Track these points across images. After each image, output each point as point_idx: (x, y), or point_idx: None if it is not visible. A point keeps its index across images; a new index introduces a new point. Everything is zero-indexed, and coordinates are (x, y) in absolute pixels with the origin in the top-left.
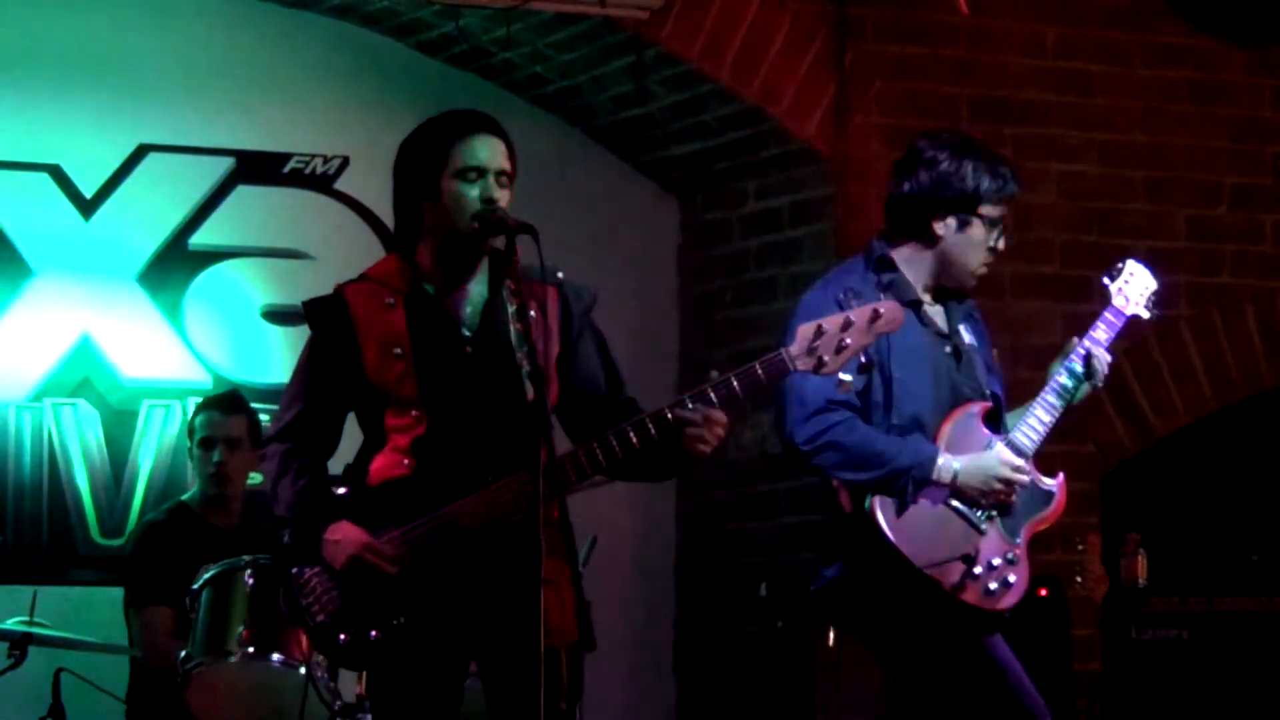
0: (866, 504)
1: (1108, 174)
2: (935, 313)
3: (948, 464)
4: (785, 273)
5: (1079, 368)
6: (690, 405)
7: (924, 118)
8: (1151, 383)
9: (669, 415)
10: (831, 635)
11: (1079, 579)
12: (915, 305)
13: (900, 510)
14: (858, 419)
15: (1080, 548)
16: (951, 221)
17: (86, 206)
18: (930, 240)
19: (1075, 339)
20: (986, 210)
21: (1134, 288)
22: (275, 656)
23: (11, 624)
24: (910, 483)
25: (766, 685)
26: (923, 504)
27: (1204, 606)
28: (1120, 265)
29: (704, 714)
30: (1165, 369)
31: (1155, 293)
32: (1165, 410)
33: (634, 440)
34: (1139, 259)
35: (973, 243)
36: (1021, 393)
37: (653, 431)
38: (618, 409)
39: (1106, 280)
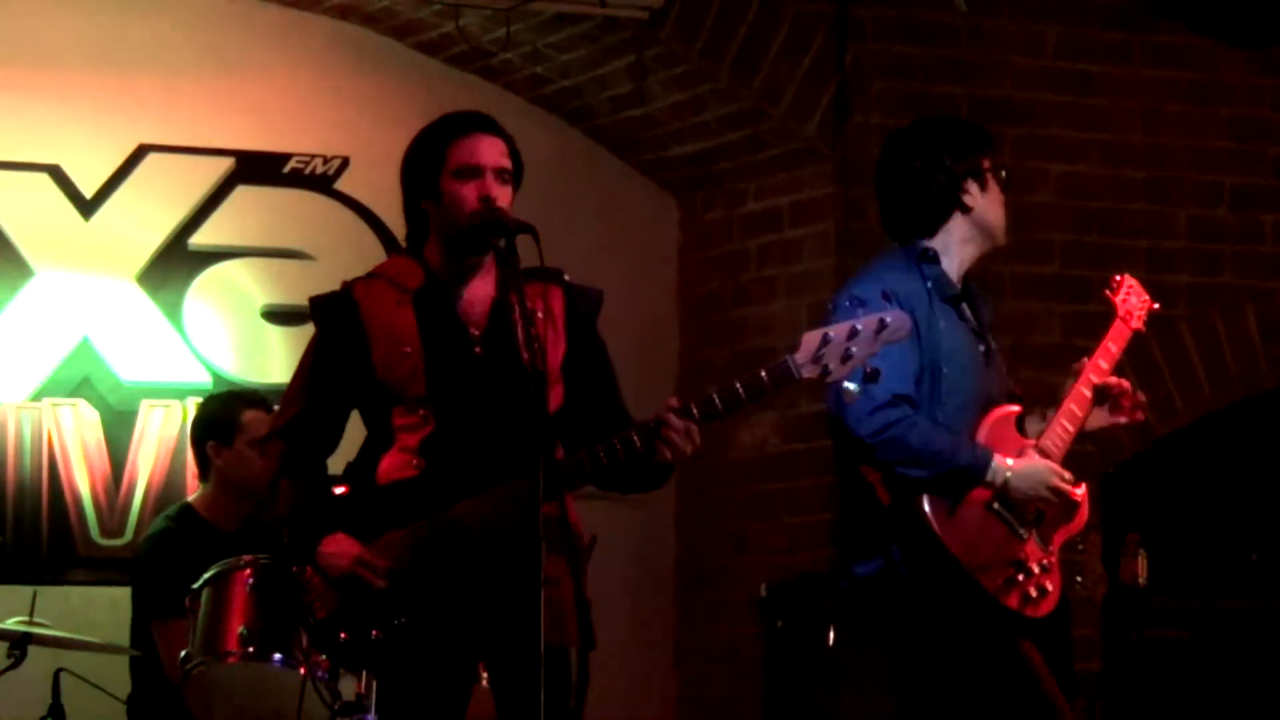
0: (915, 502)
1: (1108, 174)
2: (968, 310)
3: (1000, 468)
4: (785, 273)
5: (1093, 391)
6: (673, 417)
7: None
8: (1151, 383)
9: (652, 426)
10: (832, 635)
11: (1079, 579)
12: (955, 301)
13: (950, 511)
14: (919, 416)
15: (1080, 548)
16: (974, 187)
17: (86, 206)
18: (965, 210)
19: (1084, 361)
20: (988, 163)
21: (1134, 302)
22: (275, 656)
23: (11, 624)
24: (964, 483)
25: (766, 685)
26: (969, 505)
27: (1204, 606)
28: (1118, 279)
29: (704, 714)
30: (1165, 369)
31: (1151, 310)
32: (1165, 410)
33: (620, 452)
34: (1133, 275)
35: (995, 198)
36: (1020, 394)
37: (638, 444)
38: (610, 418)
39: (1108, 293)
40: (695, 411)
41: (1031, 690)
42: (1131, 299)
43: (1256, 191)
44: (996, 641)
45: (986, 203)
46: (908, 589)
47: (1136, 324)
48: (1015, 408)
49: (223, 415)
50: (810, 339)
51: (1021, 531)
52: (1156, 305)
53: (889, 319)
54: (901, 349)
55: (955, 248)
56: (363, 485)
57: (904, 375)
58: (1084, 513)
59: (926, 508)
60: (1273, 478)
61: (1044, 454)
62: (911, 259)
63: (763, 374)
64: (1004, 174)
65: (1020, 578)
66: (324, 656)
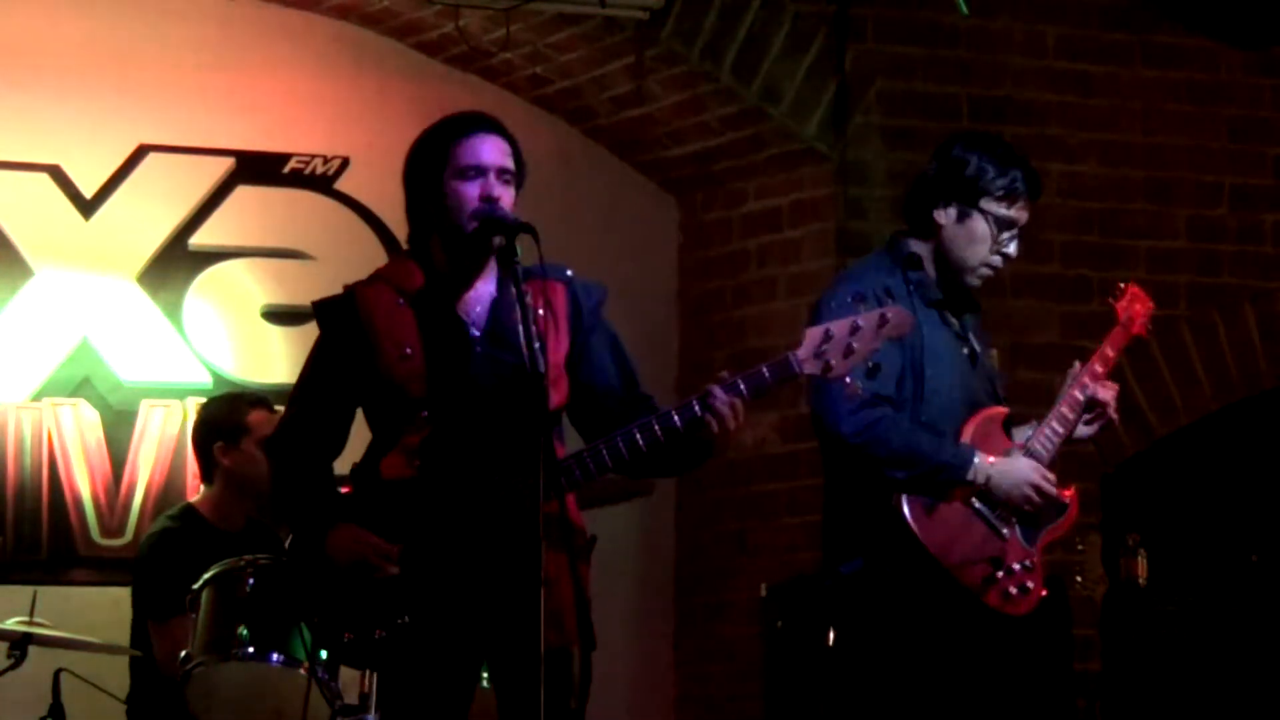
0: (894, 500)
1: (1108, 174)
2: (951, 314)
3: (982, 466)
4: (785, 273)
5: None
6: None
7: (924, 118)
8: (1151, 383)
9: (675, 418)
10: (832, 635)
11: (1079, 579)
12: (940, 305)
13: (929, 509)
14: (899, 415)
15: (1080, 548)
16: (952, 211)
17: (86, 206)
18: (930, 231)
19: (1079, 365)
20: (989, 206)
21: (1136, 308)
22: (275, 656)
23: (11, 624)
24: (946, 482)
25: (766, 685)
26: (950, 504)
27: (1204, 606)
28: (1121, 286)
29: (704, 714)
30: (1165, 369)
31: (1153, 315)
32: (1165, 410)
33: (641, 444)
34: (1136, 281)
35: (973, 237)
36: (1020, 394)
37: (659, 434)
38: (633, 406)
39: (1112, 300)
40: (696, 405)
41: (1016, 686)
42: (1135, 306)
43: (1256, 191)
44: (978, 639)
45: (956, 235)
46: (889, 587)
47: (1137, 329)
48: (1002, 410)
49: (229, 416)
50: (813, 334)
51: (1004, 531)
52: (1154, 308)
53: (890, 314)
54: (885, 350)
55: (930, 259)
56: (366, 485)
57: (885, 377)
58: (1072, 514)
59: (905, 506)
60: (1273, 478)
61: (1033, 456)
62: (897, 262)
63: (764, 369)
64: (1010, 234)
65: (999, 575)
66: (326, 656)
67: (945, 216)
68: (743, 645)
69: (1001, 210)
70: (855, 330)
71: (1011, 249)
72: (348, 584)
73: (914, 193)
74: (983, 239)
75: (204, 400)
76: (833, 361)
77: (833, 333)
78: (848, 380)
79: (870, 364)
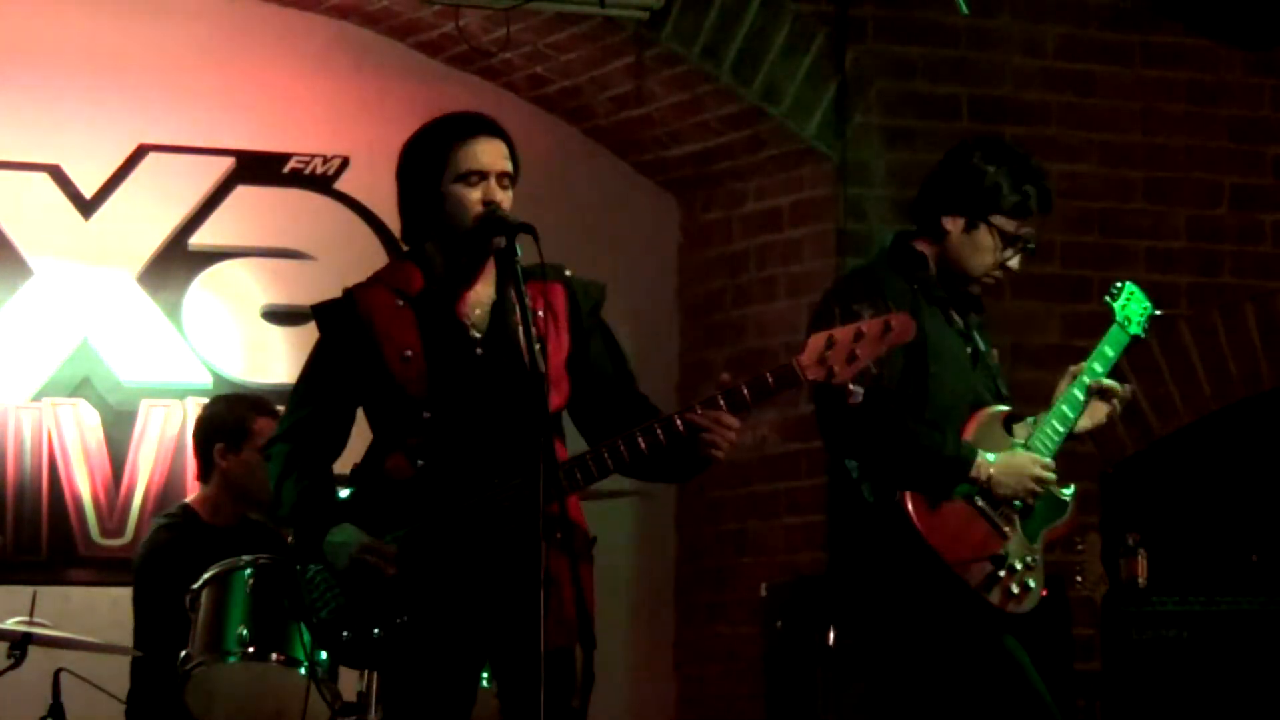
0: (897, 497)
1: (1108, 174)
2: (955, 313)
3: (984, 463)
4: (785, 273)
5: (1086, 392)
6: (700, 410)
7: (924, 118)
8: (1151, 383)
9: (678, 422)
10: (832, 635)
11: (1079, 579)
12: (944, 303)
13: (931, 507)
14: (902, 415)
15: (1080, 548)
16: (960, 220)
17: (86, 206)
18: (937, 235)
19: (1082, 366)
20: (999, 221)
21: (1134, 309)
22: (275, 656)
23: (11, 624)
24: (948, 480)
25: (766, 685)
26: (952, 502)
27: (1204, 606)
28: (1119, 285)
29: (704, 714)
30: (1165, 369)
31: (1153, 316)
32: (1165, 410)
33: (643, 446)
34: (1136, 281)
35: (978, 248)
36: (1021, 394)
37: (661, 438)
38: (630, 406)
39: (1108, 299)
40: (697, 410)
41: (1017, 684)
42: (1131, 305)
43: (1256, 191)
44: (981, 636)
45: (962, 243)
46: (892, 585)
47: (1137, 329)
48: (1003, 408)
49: (233, 419)
50: (815, 341)
51: (1005, 529)
52: (1159, 311)
53: (893, 322)
54: (888, 351)
55: (934, 259)
56: (367, 486)
57: (889, 376)
58: (1074, 512)
59: (909, 503)
60: (1273, 478)
61: (1034, 453)
62: (901, 264)
63: (767, 376)
64: (1015, 250)
65: (1002, 574)
66: (325, 655)
67: (953, 224)
68: (743, 645)
69: (1009, 226)
70: (859, 337)
71: (1014, 263)
72: (347, 584)
73: (925, 193)
74: (987, 250)
75: (210, 399)
76: (835, 368)
77: (836, 339)
78: (851, 387)
79: (874, 370)
